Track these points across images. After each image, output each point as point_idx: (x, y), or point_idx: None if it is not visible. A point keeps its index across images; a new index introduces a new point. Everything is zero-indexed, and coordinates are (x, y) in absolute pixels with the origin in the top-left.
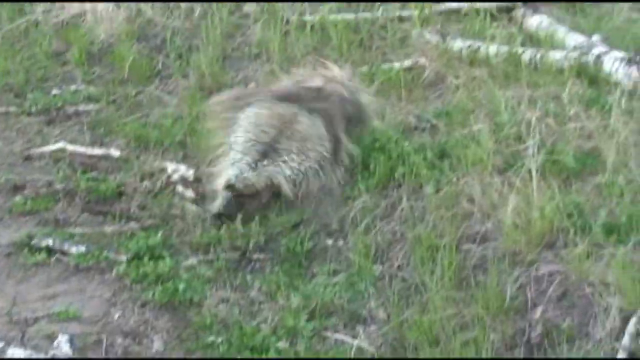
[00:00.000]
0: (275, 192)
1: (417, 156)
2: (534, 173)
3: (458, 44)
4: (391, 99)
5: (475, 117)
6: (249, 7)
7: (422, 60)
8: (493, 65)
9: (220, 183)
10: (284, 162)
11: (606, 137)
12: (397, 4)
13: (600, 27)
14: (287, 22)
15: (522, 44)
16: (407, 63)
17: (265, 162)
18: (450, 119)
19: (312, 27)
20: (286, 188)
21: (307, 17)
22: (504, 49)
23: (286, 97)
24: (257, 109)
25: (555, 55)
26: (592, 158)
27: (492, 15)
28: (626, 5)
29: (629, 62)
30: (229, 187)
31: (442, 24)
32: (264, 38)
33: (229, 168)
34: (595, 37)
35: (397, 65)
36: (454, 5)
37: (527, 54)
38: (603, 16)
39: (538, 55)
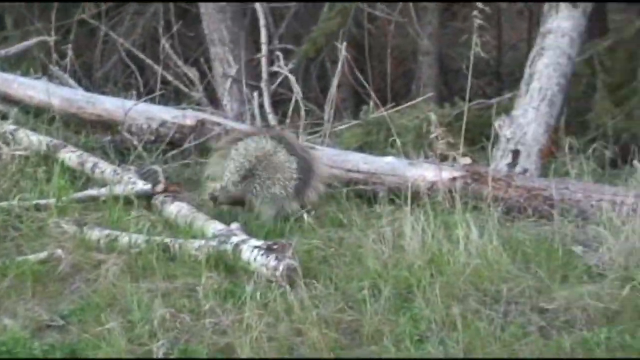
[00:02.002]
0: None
1: None
2: None
3: (96, 234)
4: (24, 295)
5: (108, 315)
6: None
7: (59, 252)
8: (132, 256)
9: (206, 191)
10: (257, 184)
11: (241, 333)
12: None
13: (237, 216)
14: None
15: (160, 233)
16: (43, 255)
17: (244, 184)
18: (84, 316)
19: None
20: (253, 203)
21: None
22: (142, 238)
23: (276, 136)
24: (247, 142)
25: (194, 244)
26: (226, 355)
27: (130, 203)
28: None
29: (267, 250)
30: (212, 197)
31: (80, 213)
32: None
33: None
34: (234, 225)
35: (31, 257)
36: (94, 192)
37: (163, 244)
38: None
39: (176, 245)
